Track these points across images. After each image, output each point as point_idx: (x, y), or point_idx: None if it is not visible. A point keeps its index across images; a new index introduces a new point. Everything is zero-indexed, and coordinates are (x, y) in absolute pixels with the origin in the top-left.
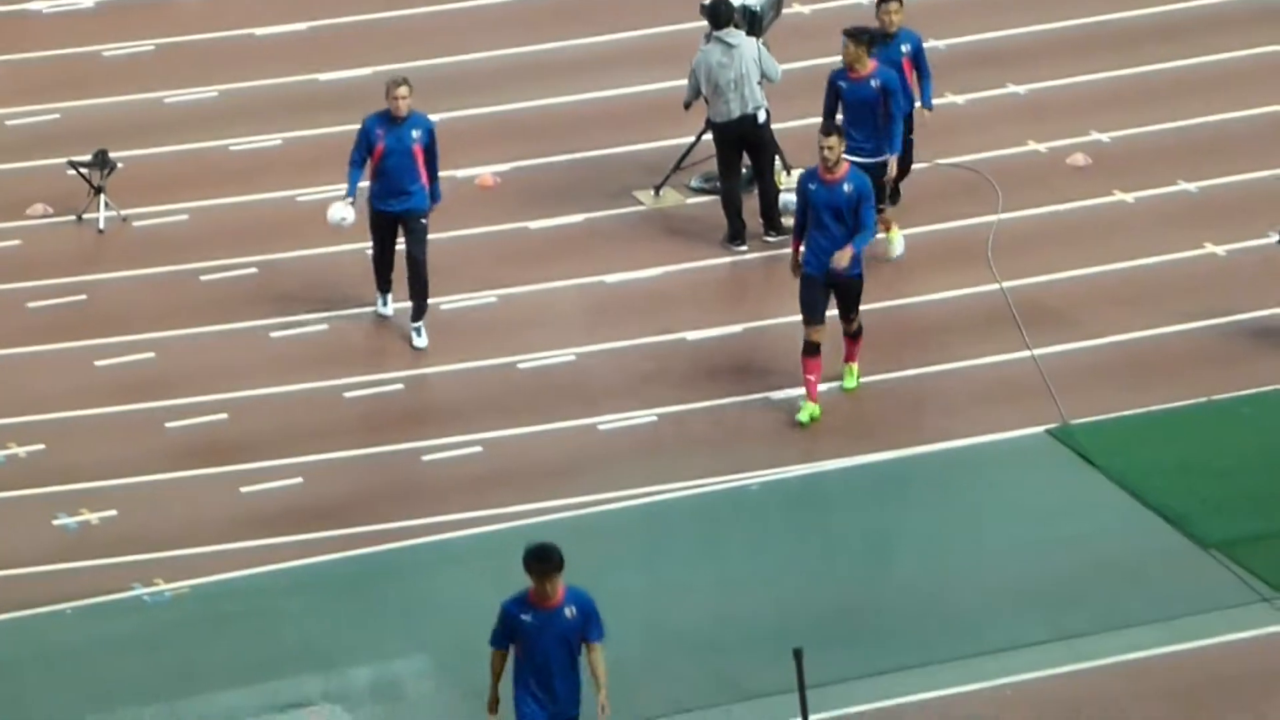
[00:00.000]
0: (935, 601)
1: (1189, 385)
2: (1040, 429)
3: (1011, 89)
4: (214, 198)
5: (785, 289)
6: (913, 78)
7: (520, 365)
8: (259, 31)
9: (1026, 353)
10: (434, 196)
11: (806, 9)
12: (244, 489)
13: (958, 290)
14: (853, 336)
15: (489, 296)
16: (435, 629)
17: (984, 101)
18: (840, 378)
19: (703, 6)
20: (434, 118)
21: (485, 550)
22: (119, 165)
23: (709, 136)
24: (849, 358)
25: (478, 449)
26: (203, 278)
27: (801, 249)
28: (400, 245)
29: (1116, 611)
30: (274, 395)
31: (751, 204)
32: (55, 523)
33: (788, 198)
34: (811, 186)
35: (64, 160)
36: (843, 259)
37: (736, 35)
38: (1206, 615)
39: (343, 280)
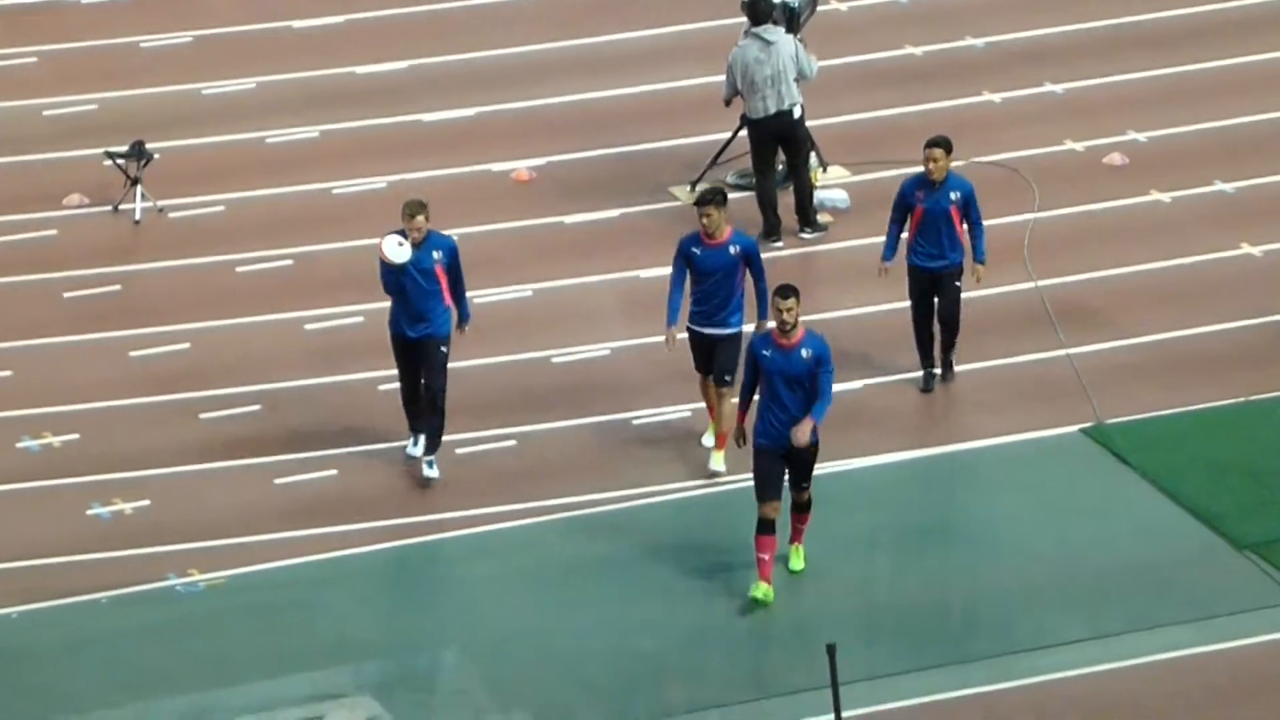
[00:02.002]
0: (969, 599)
1: (1225, 385)
2: (1075, 428)
3: (1049, 88)
4: (250, 189)
5: (820, 285)
6: (962, 229)
7: (554, 359)
8: (296, 24)
9: (1062, 351)
10: (463, 316)
11: (843, 6)
12: (278, 480)
13: (994, 289)
14: (802, 509)
15: (524, 290)
16: (468, 621)
17: (1021, 100)
18: (785, 559)
19: (744, 3)
20: (470, 111)
21: (519, 543)
22: (155, 156)
23: (745, 133)
24: (796, 537)
25: (511, 442)
26: (238, 269)
27: (749, 418)
28: None
29: (1151, 611)
30: (309, 387)
31: (787, 200)
32: (90, 512)
33: (823, 194)
34: (765, 353)
35: (101, 151)
36: (801, 434)
37: (774, 32)
38: (1241, 615)
39: (377, 272)
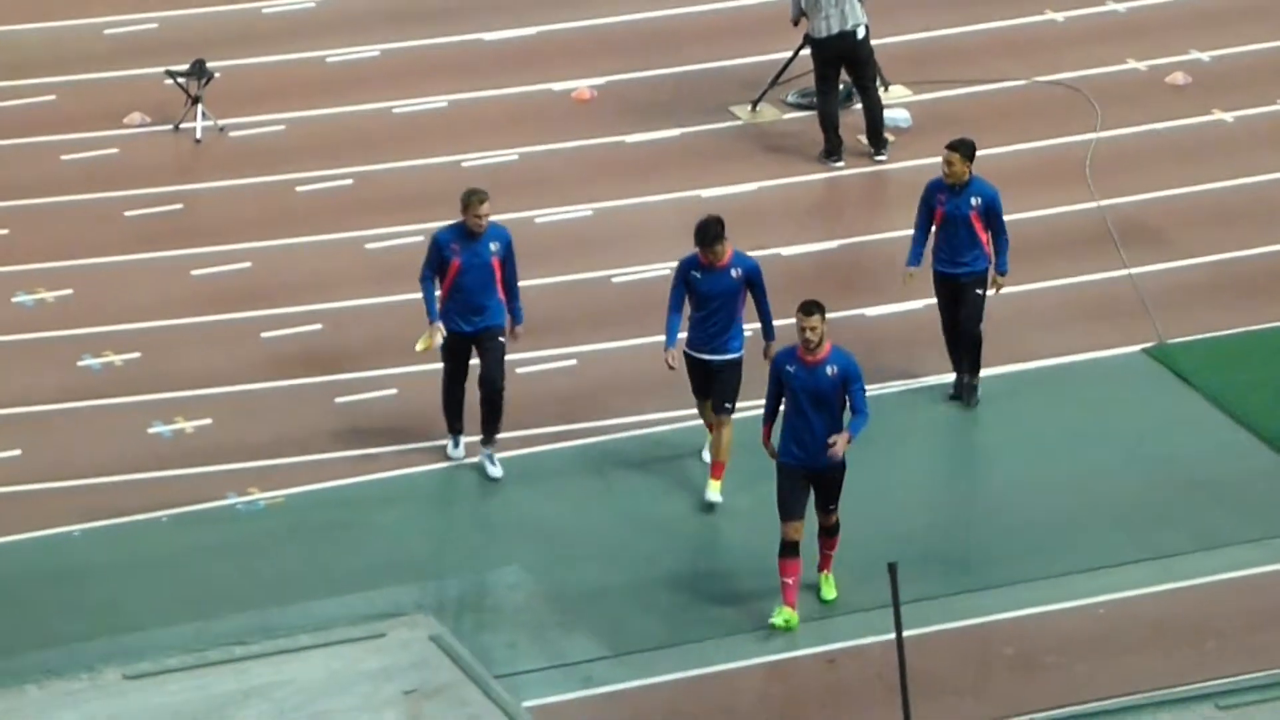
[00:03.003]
0: (1030, 519)
1: None
2: (1137, 348)
3: (1111, 7)
4: (310, 109)
5: (882, 206)
6: (985, 236)
7: (614, 279)
8: None
9: (1124, 271)
10: (515, 317)
11: None
12: (339, 399)
13: (1056, 208)
14: (830, 533)
15: (584, 210)
16: (526, 541)
17: (1083, 19)
18: (816, 587)
19: None
20: (531, 30)
21: (577, 463)
22: (216, 75)
23: (806, 52)
24: (825, 564)
25: (571, 362)
26: (299, 188)
27: (774, 434)
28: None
29: (1211, 531)
30: (369, 306)
31: (849, 120)
32: (151, 431)
33: (885, 114)
34: (789, 369)
35: (161, 70)
36: (838, 450)
37: None
38: None
39: (440, 191)
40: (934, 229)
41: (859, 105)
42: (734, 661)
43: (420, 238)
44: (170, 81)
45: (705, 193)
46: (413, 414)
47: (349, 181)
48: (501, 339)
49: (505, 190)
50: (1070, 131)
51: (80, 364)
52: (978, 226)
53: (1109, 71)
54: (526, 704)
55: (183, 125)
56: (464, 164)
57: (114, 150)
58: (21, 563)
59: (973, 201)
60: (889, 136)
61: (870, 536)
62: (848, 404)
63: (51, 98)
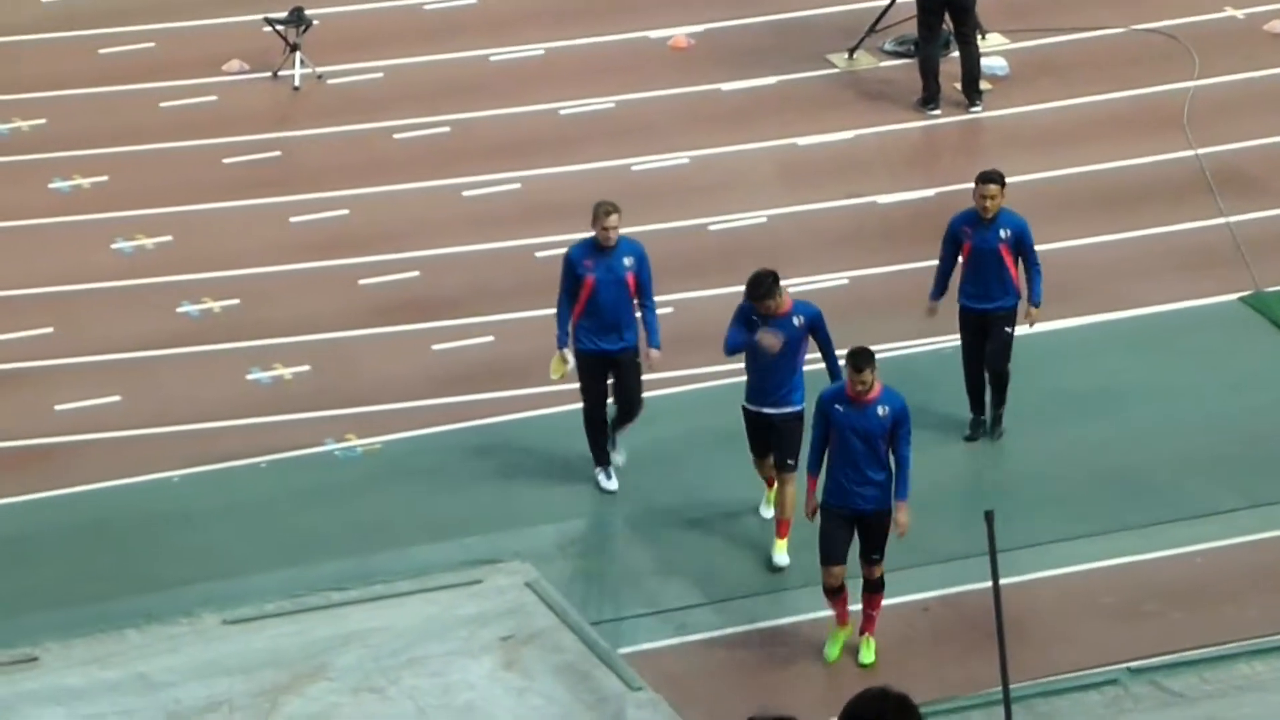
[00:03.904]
0: (1126, 467)
1: None
2: (1234, 296)
3: None
4: (408, 56)
5: (979, 155)
6: (1015, 269)
7: (711, 227)
8: None
9: (1221, 219)
10: (650, 339)
11: None
12: (436, 346)
13: (1153, 156)
14: (874, 589)
15: (681, 158)
16: (625, 488)
17: None
18: (855, 650)
19: None
20: None
21: (675, 410)
22: (314, 22)
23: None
24: (867, 626)
25: (668, 310)
26: (396, 136)
27: (819, 482)
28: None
29: None
30: (466, 254)
31: (946, 68)
32: (249, 377)
33: (982, 62)
34: (838, 408)
35: (260, 17)
36: (904, 522)
37: None
38: None
39: (537, 139)
40: (962, 264)
41: (956, 54)
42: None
43: (518, 185)
44: (269, 29)
45: (801, 141)
46: (509, 361)
47: (446, 129)
48: (639, 360)
49: (601, 139)
50: (1168, 80)
51: (179, 310)
52: (1008, 259)
53: (1207, 19)
54: (621, 650)
55: (281, 73)
56: (561, 112)
57: (213, 97)
58: (122, 508)
59: (1002, 234)
60: (986, 85)
61: (966, 485)
62: (891, 450)
63: (151, 45)
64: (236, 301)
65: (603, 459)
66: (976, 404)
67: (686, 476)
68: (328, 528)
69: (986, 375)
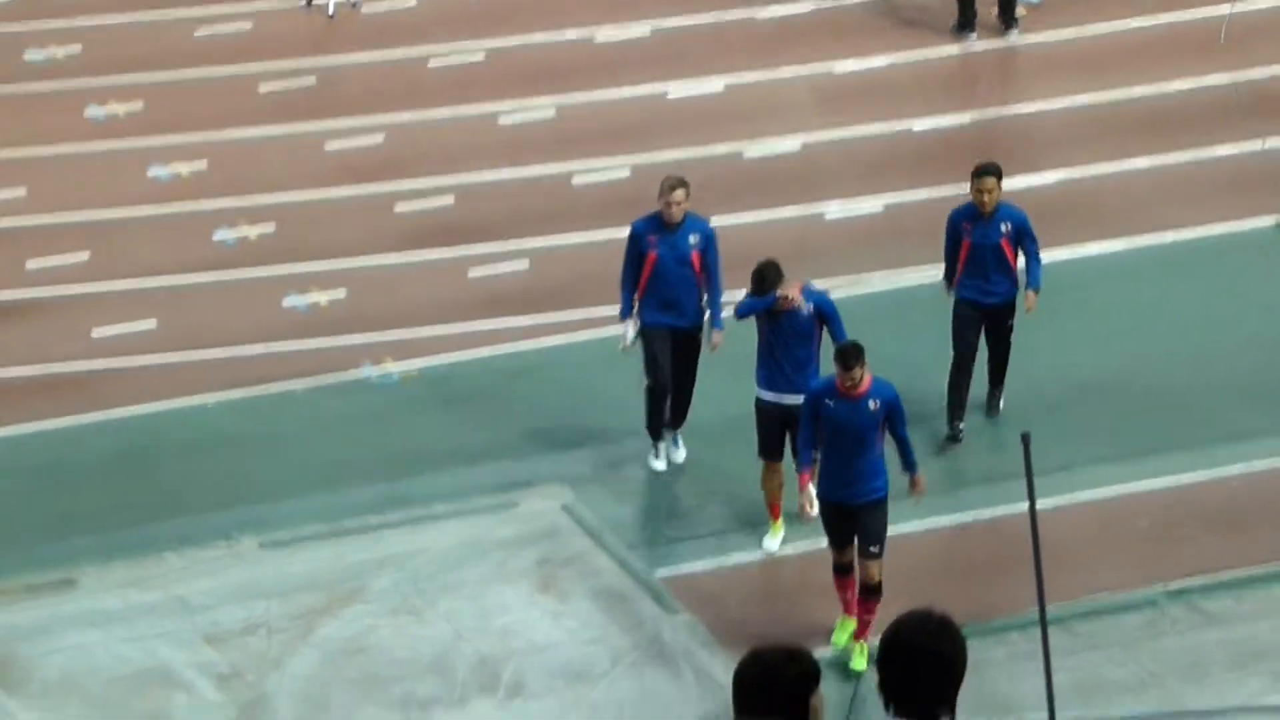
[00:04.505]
0: (1162, 391)
1: None
2: (1271, 220)
3: None
4: None
5: (1015, 79)
6: (1015, 262)
7: (747, 153)
8: None
9: (1257, 143)
10: (713, 321)
11: None
12: (472, 272)
13: (1191, 81)
14: (870, 594)
15: (716, 84)
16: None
17: None
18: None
19: None
20: None
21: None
22: None
23: None
24: (861, 632)
25: None
26: (431, 63)
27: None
28: None
29: None
30: (502, 179)
31: None
32: (285, 303)
33: None
34: (829, 403)
35: None
36: (921, 488)
37: None
38: None
39: (571, 65)
40: (961, 259)
41: None
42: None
43: (553, 112)
44: None
45: (837, 66)
46: (545, 286)
47: (481, 55)
48: (699, 341)
49: (637, 65)
50: (1205, 3)
51: (215, 237)
52: (1008, 253)
53: None
54: (658, 573)
55: (315, 0)
56: (597, 38)
57: (248, 24)
58: (158, 433)
59: (1002, 228)
60: (1022, 11)
61: (1002, 405)
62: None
63: None
64: (272, 227)
65: (658, 437)
66: (957, 407)
67: (725, 399)
68: (364, 452)
69: (988, 368)
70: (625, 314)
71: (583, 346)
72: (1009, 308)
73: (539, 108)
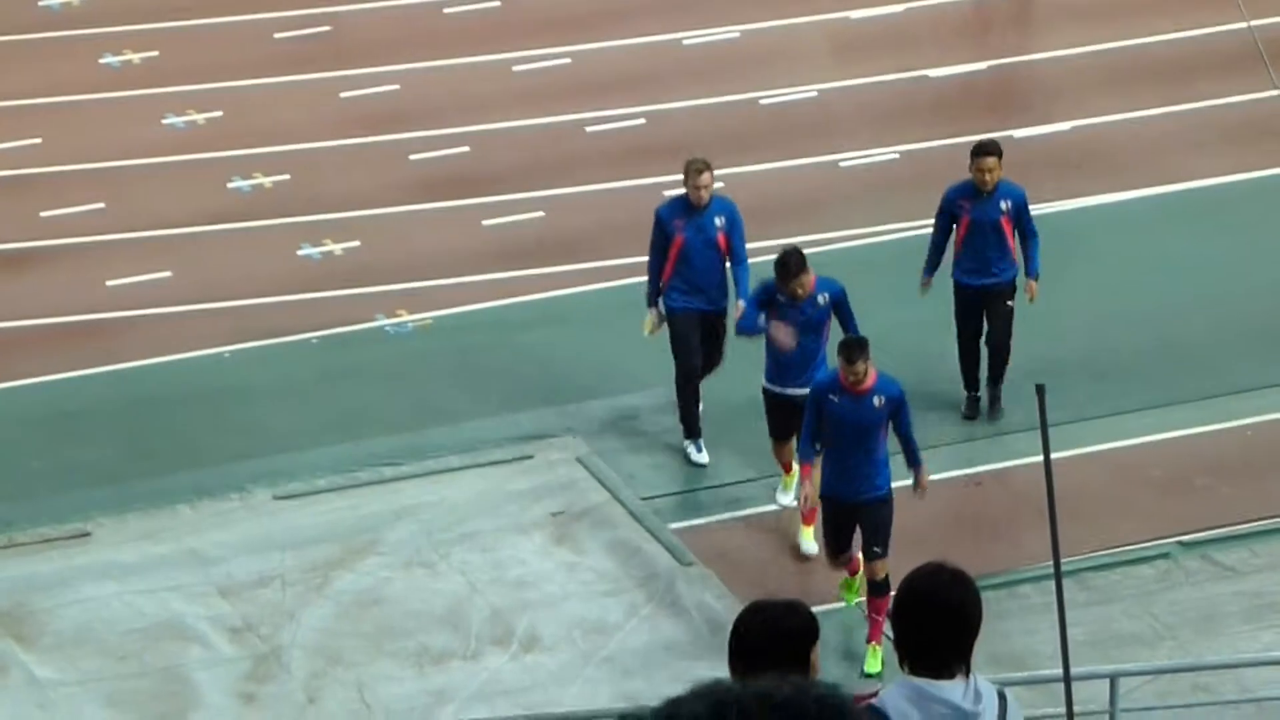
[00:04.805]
0: (1176, 341)
1: None
2: None
3: None
4: None
5: (1029, 27)
6: (1013, 241)
7: (762, 101)
8: None
9: (1273, 92)
10: (740, 292)
11: None
12: (486, 222)
13: (1204, 29)
14: (877, 591)
15: (732, 31)
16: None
17: None
18: (861, 661)
19: None
20: None
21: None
22: None
23: None
24: (873, 634)
25: (719, 184)
26: (445, 10)
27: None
28: None
29: None
30: (517, 129)
31: None
32: (300, 253)
33: None
34: (833, 398)
35: None
36: (925, 482)
37: None
38: None
39: (586, 12)
40: (958, 238)
41: None
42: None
43: (568, 60)
44: None
45: (853, 14)
46: (559, 236)
47: (496, 3)
48: (727, 323)
49: (652, 12)
50: None
51: (230, 186)
52: (1008, 232)
53: None
54: (672, 526)
55: None
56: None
57: None
58: (173, 383)
59: (1002, 205)
60: None
61: (1017, 359)
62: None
63: None
64: (287, 177)
65: (693, 429)
66: (972, 381)
67: (741, 350)
68: (379, 403)
69: (986, 351)
70: (653, 300)
71: (598, 296)
72: (1010, 287)
73: (553, 56)
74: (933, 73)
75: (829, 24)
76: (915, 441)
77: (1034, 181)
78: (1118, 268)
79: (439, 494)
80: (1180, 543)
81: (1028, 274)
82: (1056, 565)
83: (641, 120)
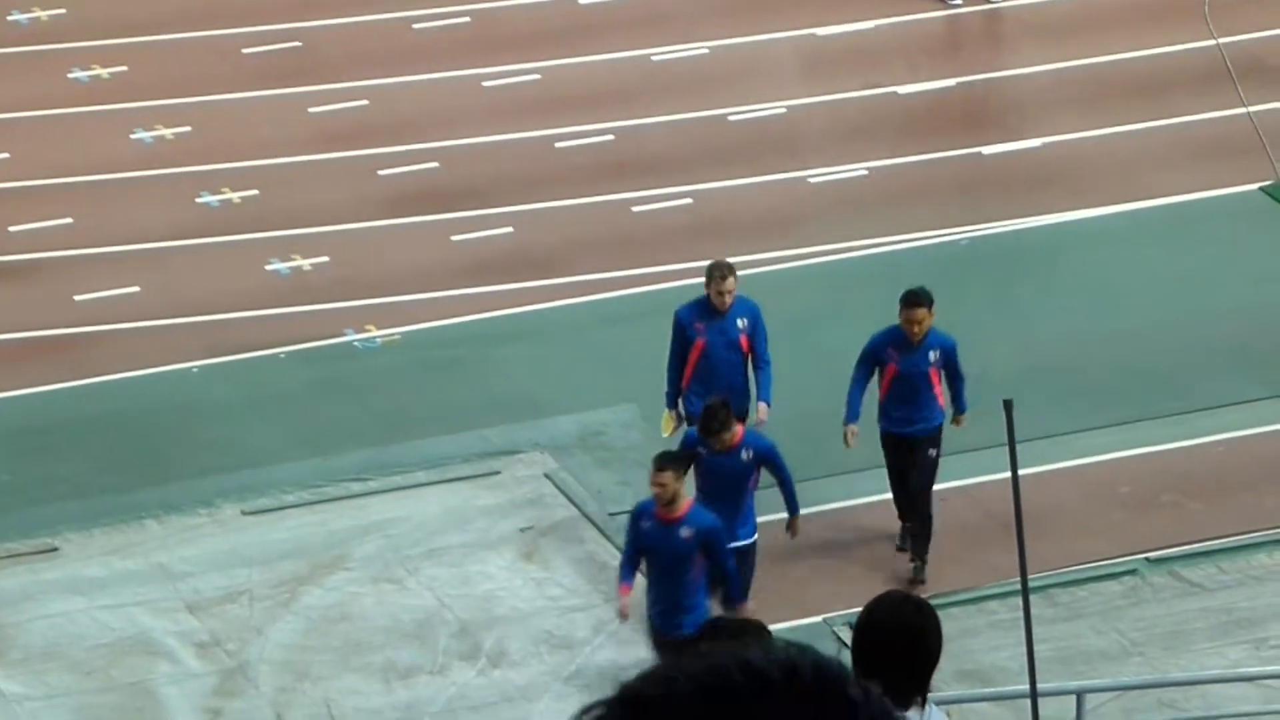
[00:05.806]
0: (1147, 357)
1: None
2: (1254, 186)
3: None
4: None
5: (999, 43)
6: (939, 388)
7: (731, 117)
8: None
9: (1241, 109)
10: (761, 393)
11: None
12: (455, 237)
13: (1175, 46)
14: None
15: (701, 48)
16: (643, 378)
17: None
18: None
19: None
20: None
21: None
22: None
23: None
24: None
25: (687, 200)
26: (415, 26)
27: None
28: None
29: None
30: (486, 144)
31: None
32: (269, 268)
33: None
34: (645, 524)
35: None
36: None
37: None
38: None
39: (556, 29)
40: (883, 386)
41: None
42: (849, 499)
43: (538, 75)
44: None
45: (821, 31)
46: (528, 252)
47: (466, 19)
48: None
49: (621, 28)
50: None
51: (198, 201)
52: (935, 382)
53: None
54: None
55: None
56: (580, 0)
57: None
58: (141, 398)
59: (931, 356)
60: None
61: (985, 374)
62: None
63: None
64: (255, 192)
65: None
66: (907, 513)
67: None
68: (347, 419)
69: (912, 517)
70: (672, 401)
71: (566, 312)
72: (934, 436)
73: (523, 72)
74: (902, 89)
75: (798, 40)
76: (733, 580)
77: (994, 195)
78: (1087, 284)
79: (407, 509)
80: (1148, 559)
81: (956, 410)
82: (1024, 581)
83: (611, 136)
